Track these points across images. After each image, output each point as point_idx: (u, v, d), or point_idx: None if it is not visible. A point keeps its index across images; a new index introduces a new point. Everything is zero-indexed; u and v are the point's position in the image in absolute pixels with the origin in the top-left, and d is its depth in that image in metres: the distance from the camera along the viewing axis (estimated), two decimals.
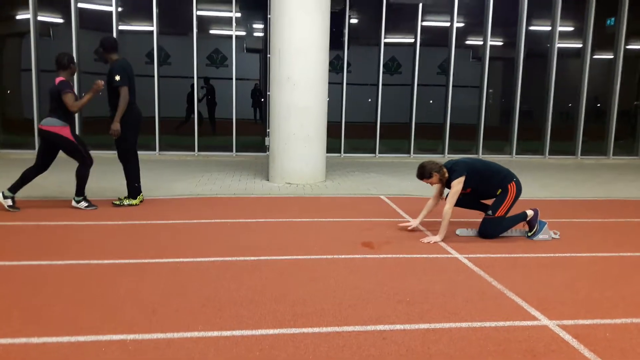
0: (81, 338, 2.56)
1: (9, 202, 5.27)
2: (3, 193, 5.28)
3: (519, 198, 4.64)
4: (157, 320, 2.78)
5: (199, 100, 10.37)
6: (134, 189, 5.67)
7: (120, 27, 9.95)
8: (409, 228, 4.81)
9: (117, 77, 5.32)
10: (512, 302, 3.17)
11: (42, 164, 5.42)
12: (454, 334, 2.71)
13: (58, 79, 5.24)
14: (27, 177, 5.38)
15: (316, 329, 2.73)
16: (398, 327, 2.78)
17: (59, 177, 7.16)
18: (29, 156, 9.07)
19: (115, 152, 5.72)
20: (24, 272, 3.50)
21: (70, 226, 4.76)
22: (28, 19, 9.59)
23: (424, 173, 4.56)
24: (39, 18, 9.76)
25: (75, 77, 9.66)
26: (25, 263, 3.69)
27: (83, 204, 5.42)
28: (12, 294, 3.11)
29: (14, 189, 5.32)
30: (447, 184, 4.62)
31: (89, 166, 5.47)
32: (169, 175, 7.76)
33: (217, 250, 4.09)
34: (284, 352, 2.48)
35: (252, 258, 3.90)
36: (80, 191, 5.43)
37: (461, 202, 4.71)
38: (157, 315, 2.86)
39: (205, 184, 7.08)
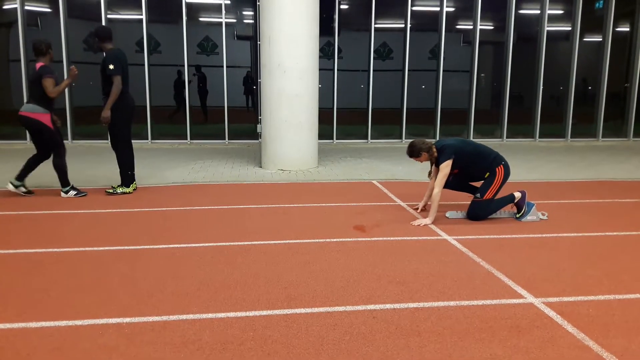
0: (78, 322, 2.62)
1: (22, 189, 5.43)
2: (12, 183, 5.39)
3: (508, 180, 4.72)
4: (152, 304, 2.85)
5: (188, 84, 10.36)
6: (127, 177, 5.70)
7: (109, 16, 9.88)
8: (419, 210, 4.97)
9: (111, 66, 5.35)
10: (499, 281, 3.25)
11: (41, 152, 5.48)
12: (442, 312, 2.79)
13: (39, 64, 5.26)
14: (30, 166, 5.46)
15: (308, 310, 2.80)
16: (388, 306, 2.86)
17: (52, 166, 7.16)
18: (19, 146, 9.07)
19: (109, 141, 5.75)
20: (19, 260, 3.54)
21: (64, 214, 4.79)
22: (16, 9, 9.51)
23: (413, 151, 4.65)
24: (27, 7, 9.68)
25: (64, 66, 9.63)
26: (21, 251, 3.73)
27: (72, 192, 5.47)
28: (9, 281, 3.16)
29: (21, 177, 5.43)
30: (436, 163, 4.70)
31: (63, 156, 5.45)
32: (162, 163, 7.78)
33: (210, 235, 4.15)
34: (276, 332, 2.55)
35: (246, 243, 3.97)
36: (64, 182, 5.46)
37: (450, 184, 4.80)
38: (153, 298, 2.92)
39: (198, 172, 7.11)
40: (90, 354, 2.32)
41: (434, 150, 4.63)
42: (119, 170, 5.73)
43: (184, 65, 10.16)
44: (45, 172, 6.65)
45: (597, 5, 11.22)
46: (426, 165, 5.02)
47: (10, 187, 5.40)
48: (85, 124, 10.13)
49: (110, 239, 4.05)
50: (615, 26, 11.10)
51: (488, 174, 4.64)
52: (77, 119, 10.10)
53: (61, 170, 5.43)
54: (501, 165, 4.64)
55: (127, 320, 2.65)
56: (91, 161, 7.88)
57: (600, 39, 11.25)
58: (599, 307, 2.88)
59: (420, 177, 6.76)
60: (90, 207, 5.06)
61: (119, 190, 5.65)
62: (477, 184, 4.82)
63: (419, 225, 4.47)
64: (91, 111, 9.84)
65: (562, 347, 2.43)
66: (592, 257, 3.74)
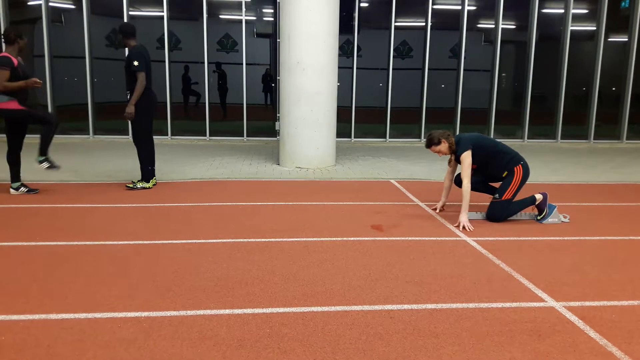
0: (98, 315, 2.65)
1: (23, 189, 5.39)
2: (12, 187, 5.37)
3: (527, 181, 4.64)
4: (170, 298, 2.86)
5: (190, 86, 10.47)
6: (147, 172, 5.76)
7: (131, 13, 9.98)
8: (437, 211, 4.93)
9: (136, 63, 5.41)
10: (519, 284, 3.20)
11: (11, 146, 5.38)
12: (461, 314, 2.76)
13: (1, 54, 5.10)
14: (12, 164, 5.38)
15: (325, 308, 2.79)
16: (405, 306, 2.83)
17: (73, 160, 7.28)
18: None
19: (129, 136, 5.80)
20: (40, 252, 3.60)
21: (85, 208, 4.86)
22: (40, 5, 9.66)
23: (432, 139, 4.58)
24: (51, 4, 9.83)
25: (87, 63, 9.77)
26: (42, 244, 3.79)
27: (45, 165, 5.29)
28: (30, 273, 3.21)
29: (15, 178, 5.39)
30: (455, 157, 4.63)
31: (53, 124, 5.29)
32: (182, 159, 7.84)
33: (229, 231, 4.16)
34: (293, 329, 2.54)
35: (263, 240, 3.97)
36: (44, 150, 5.29)
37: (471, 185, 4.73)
38: (171, 293, 2.94)
39: (216, 168, 7.15)
40: (109, 347, 2.34)
41: (453, 140, 4.57)
42: (139, 165, 5.79)
43: (204, 62, 10.22)
44: (65, 167, 6.75)
45: (622, 4, 10.99)
46: (446, 164, 4.96)
47: (12, 192, 5.35)
48: (106, 119, 10.26)
49: (130, 233, 4.09)
50: None
51: (506, 173, 4.57)
52: (98, 115, 10.23)
53: (45, 138, 5.26)
54: (519, 165, 4.57)
55: (146, 314, 2.67)
56: (112, 156, 7.98)
57: (626, 39, 11.01)
58: (622, 312, 2.82)
59: (439, 176, 6.70)
60: (110, 202, 5.12)
61: (139, 185, 5.71)
62: (497, 184, 4.75)
63: (463, 227, 4.32)
64: (112, 107, 9.99)
65: (584, 352, 2.38)
66: (615, 261, 3.66)
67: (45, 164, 5.32)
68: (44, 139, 5.30)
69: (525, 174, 4.58)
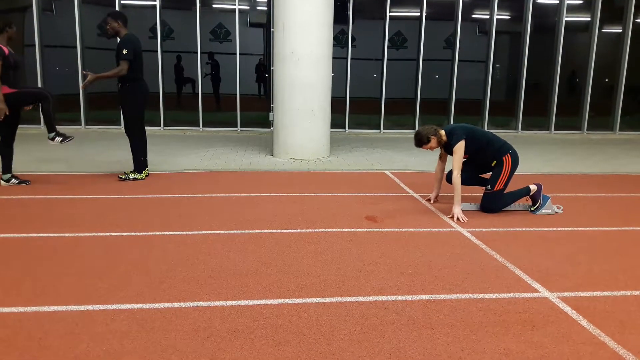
0: (90, 307, 2.63)
1: (14, 180, 5.32)
2: (2, 178, 5.30)
3: (518, 170, 4.64)
4: (164, 290, 2.85)
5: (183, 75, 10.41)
6: (139, 163, 5.72)
7: (123, 2, 9.86)
8: (432, 202, 4.95)
9: (125, 51, 5.38)
10: (513, 274, 3.21)
11: (4, 135, 5.31)
12: (455, 305, 2.76)
13: None
14: (5, 155, 5.32)
15: (319, 299, 2.79)
16: (400, 297, 2.83)
17: (64, 151, 7.21)
18: (33, 131, 9.15)
19: (121, 127, 5.76)
20: (33, 244, 3.57)
21: (76, 200, 4.82)
22: None
23: (421, 139, 4.55)
24: None
25: (78, 52, 9.65)
26: (34, 235, 3.75)
27: (58, 139, 5.28)
28: (23, 265, 3.18)
29: (6, 169, 5.32)
30: (446, 148, 4.62)
31: (48, 98, 5.20)
32: (174, 150, 7.79)
33: (222, 223, 4.14)
34: (287, 321, 2.54)
35: (257, 231, 3.96)
36: (51, 126, 5.26)
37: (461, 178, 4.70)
38: (164, 285, 2.92)
39: (210, 159, 7.11)
40: (102, 339, 2.33)
41: (441, 133, 4.55)
42: (131, 156, 5.75)
43: (197, 52, 10.14)
44: (58, 158, 6.69)
45: None
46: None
47: (2, 184, 5.28)
48: (98, 109, 10.18)
49: (123, 225, 4.06)
50: (635, 17, 10.85)
51: (495, 162, 4.57)
52: (90, 105, 10.14)
53: (47, 114, 5.21)
54: (508, 154, 4.56)
55: (139, 306, 2.66)
56: (104, 147, 7.91)
57: (620, 30, 11.02)
58: (615, 302, 2.83)
59: (433, 168, 6.69)
60: (102, 193, 5.08)
61: (132, 176, 5.67)
62: (487, 175, 4.75)
63: (457, 219, 4.31)
64: (104, 97, 9.91)
65: (577, 342, 2.39)
66: (608, 251, 3.67)
67: (58, 139, 5.29)
68: (46, 116, 5.26)
69: (514, 162, 4.58)
